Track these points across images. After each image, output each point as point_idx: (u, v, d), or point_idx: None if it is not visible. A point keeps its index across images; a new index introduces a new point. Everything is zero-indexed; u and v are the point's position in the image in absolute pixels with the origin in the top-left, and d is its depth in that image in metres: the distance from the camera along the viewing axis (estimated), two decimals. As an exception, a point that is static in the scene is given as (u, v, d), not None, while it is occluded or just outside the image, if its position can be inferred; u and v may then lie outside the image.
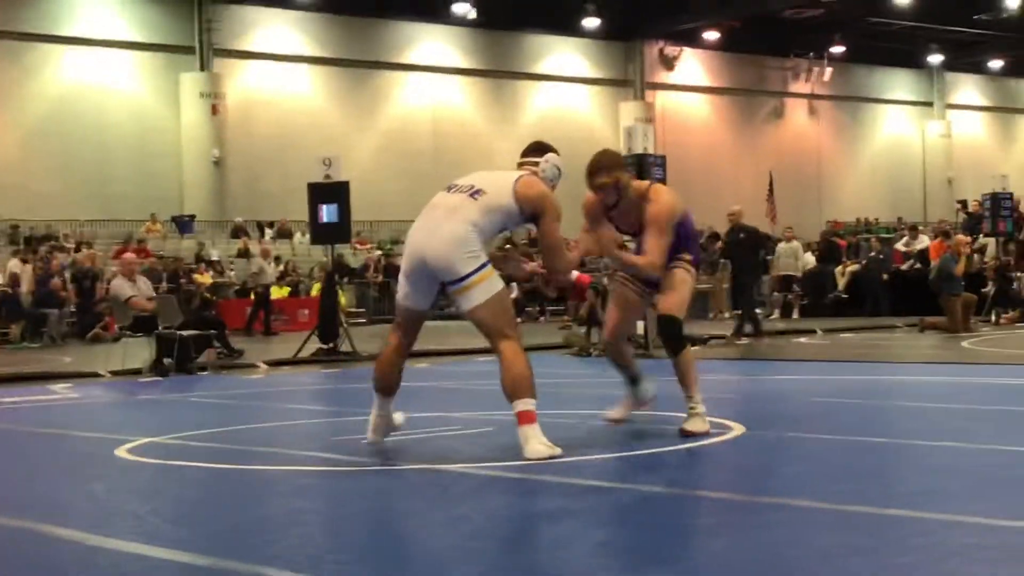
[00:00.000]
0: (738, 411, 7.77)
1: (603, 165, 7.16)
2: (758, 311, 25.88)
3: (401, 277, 6.90)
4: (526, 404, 6.46)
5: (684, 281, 7.39)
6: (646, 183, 7.48)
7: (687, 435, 7.08)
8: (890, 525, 4.69)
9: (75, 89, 33.60)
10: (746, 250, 18.69)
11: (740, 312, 18.54)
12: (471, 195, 6.66)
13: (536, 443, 6.42)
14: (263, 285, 25.66)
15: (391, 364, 7.02)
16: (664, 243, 7.14)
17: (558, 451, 6.47)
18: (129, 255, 16.66)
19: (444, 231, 6.57)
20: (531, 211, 6.70)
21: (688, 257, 7.42)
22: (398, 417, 7.12)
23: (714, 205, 41.36)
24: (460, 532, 4.84)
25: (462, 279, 6.53)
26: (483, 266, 6.56)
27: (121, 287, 14.98)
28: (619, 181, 7.16)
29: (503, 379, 6.53)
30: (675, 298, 7.35)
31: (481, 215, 6.59)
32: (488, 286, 6.56)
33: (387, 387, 7.00)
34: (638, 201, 7.22)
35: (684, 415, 7.20)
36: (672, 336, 7.33)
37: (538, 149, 7.03)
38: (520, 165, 6.96)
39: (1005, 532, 4.46)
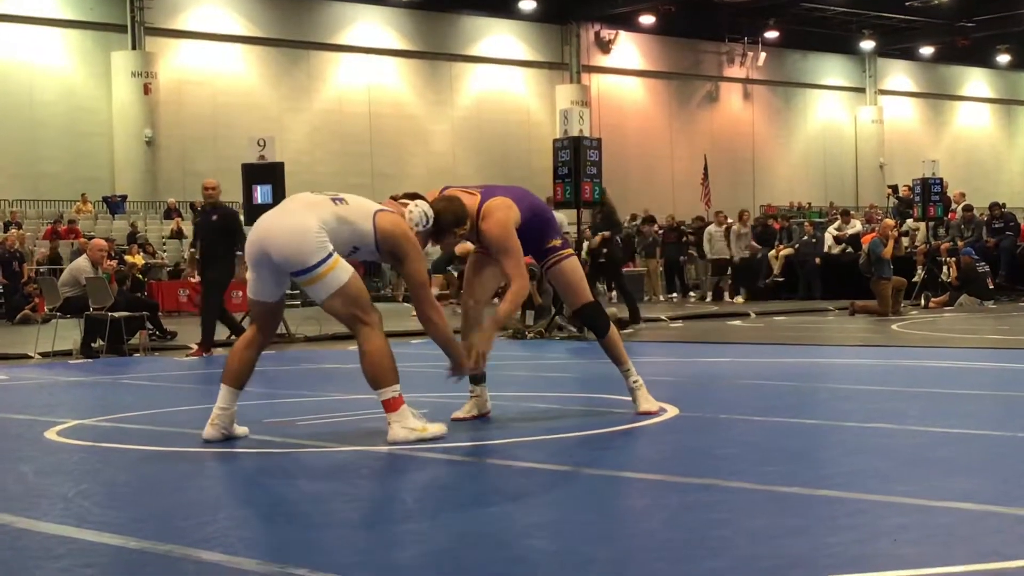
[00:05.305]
0: (672, 393, 7.81)
1: (451, 222, 7.01)
2: (691, 295, 26.18)
3: (249, 270, 6.71)
4: (387, 392, 6.43)
5: (573, 271, 7.49)
6: (476, 200, 7.14)
7: (645, 414, 7.25)
8: (821, 505, 4.73)
9: (4, 67, 33.09)
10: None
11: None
12: (333, 199, 6.61)
13: (398, 428, 6.41)
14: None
15: (242, 356, 6.81)
16: (515, 258, 7.05)
17: (434, 431, 6.47)
18: (99, 241, 16.37)
19: (290, 222, 6.47)
20: (391, 249, 6.62)
21: (557, 243, 7.45)
22: (242, 429, 6.88)
23: (649, 189, 41.74)
24: (394, 513, 4.83)
25: (308, 270, 6.42)
26: (329, 256, 6.41)
27: (82, 268, 14.79)
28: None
29: (362, 368, 6.50)
30: (578, 293, 7.49)
31: (334, 219, 6.48)
32: (336, 276, 6.43)
33: (235, 379, 6.77)
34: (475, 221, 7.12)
35: (621, 397, 7.21)
36: (595, 321, 7.53)
37: (411, 196, 7.00)
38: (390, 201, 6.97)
39: (933, 512, 4.52)
